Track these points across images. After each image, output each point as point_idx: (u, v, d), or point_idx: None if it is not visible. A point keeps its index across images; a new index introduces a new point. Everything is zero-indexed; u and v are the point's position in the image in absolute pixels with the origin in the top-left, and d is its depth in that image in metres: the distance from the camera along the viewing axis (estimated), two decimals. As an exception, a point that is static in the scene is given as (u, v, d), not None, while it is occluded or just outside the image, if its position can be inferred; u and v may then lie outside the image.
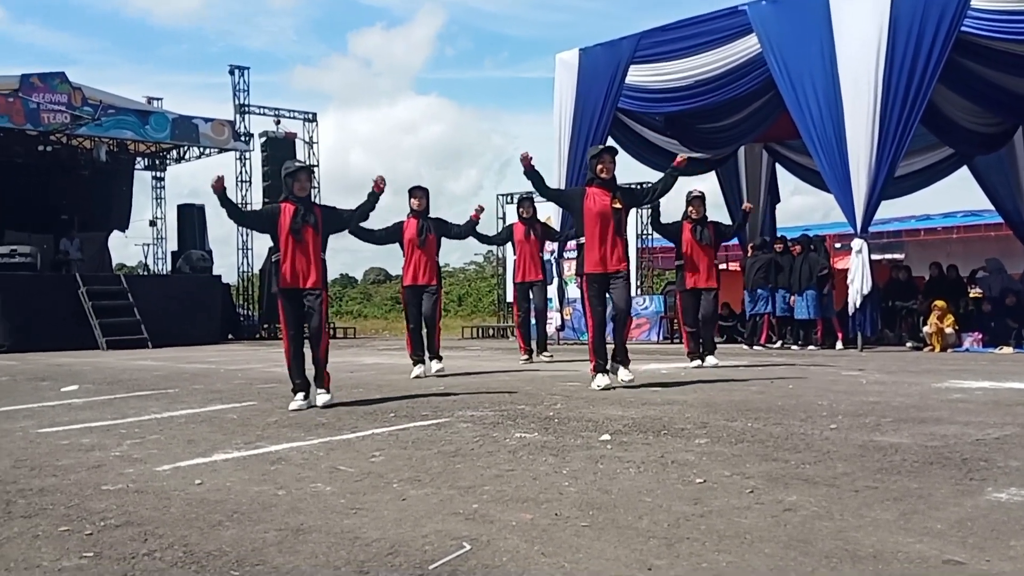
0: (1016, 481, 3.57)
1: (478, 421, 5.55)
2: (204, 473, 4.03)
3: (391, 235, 9.11)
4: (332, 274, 35.54)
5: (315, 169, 7.04)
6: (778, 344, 14.81)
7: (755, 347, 14.55)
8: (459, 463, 4.15)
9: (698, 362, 9.94)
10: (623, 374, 7.52)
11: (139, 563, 2.66)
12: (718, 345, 10.94)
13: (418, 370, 8.97)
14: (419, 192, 9.15)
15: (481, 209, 9.67)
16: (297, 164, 6.92)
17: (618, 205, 7.39)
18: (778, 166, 18.84)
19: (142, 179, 25.52)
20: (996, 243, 18.13)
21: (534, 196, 10.66)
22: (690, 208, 10.09)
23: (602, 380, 7.36)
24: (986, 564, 2.50)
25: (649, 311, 18.69)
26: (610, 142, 15.93)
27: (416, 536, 2.89)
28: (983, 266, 15.33)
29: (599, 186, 7.46)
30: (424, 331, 9.18)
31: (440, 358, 9.15)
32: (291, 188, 6.70)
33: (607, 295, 7.47)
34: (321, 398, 6.54)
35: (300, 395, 6.50)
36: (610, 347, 7.60)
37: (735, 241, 19.46)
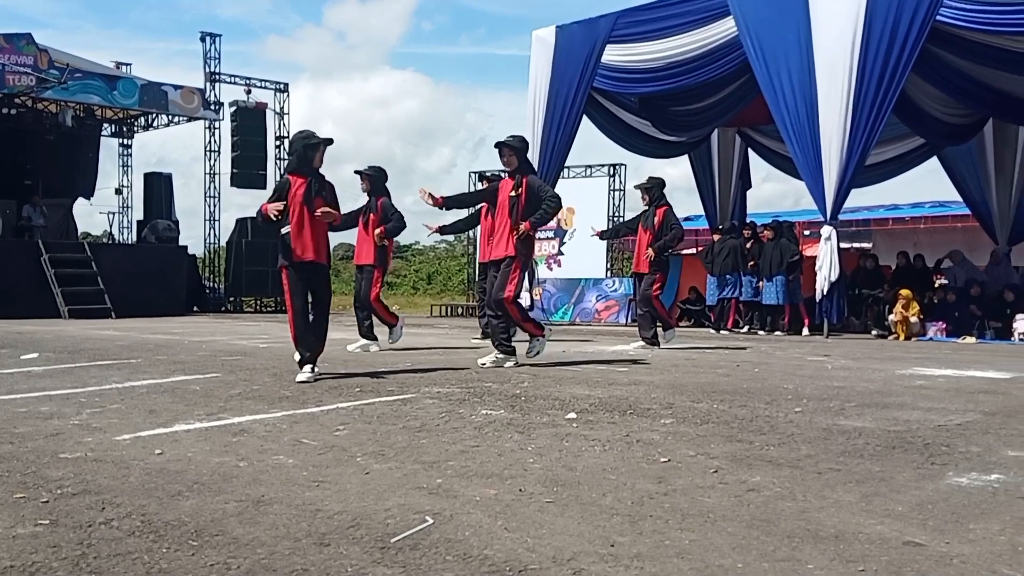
0: (976, 466, 3.60)
1: (444, 397, 5.52)
2: (165, 443, 3.97)
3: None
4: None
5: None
6: (745, 329, 14.91)
7: (722, 331, 14.64)
8: (424, 438, 4.13)
9: (644, 344, 9.96)
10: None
11: (96, 531, 2.61)
12: (685, 328, 10.96)
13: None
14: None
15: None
16: (320, 137, 6.56)
17: (514, 193, 7.59)
18: (750, 151, 18.91)
19: (109, 146, 25.14)
20: (963, 234, 18.35)
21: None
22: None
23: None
24: (945, 546, 2.51)
25: (618, 294, 18.74)
26: (584, 121, 15.96)
27: (379, 509, 2.87)
28: (949, 256, 15.52)
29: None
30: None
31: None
32: (311, 160, 6.43)
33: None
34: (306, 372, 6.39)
35: (308, 367, 6.39)
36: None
37: (704, 225, 19.58)
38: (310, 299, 6.54)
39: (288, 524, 2.69)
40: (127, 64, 22.89)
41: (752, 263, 14.67)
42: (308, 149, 6.44)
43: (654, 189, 9.92)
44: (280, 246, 6.45)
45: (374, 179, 9.15)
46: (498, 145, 7.69)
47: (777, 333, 14.21)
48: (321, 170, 6.57)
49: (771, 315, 14.73)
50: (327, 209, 6.38)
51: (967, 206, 17.38)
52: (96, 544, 2.48)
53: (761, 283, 14.57)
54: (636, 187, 10.29)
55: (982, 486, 3.27)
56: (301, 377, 6.30)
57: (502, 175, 8.40)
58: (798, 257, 14.50)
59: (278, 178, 24.31)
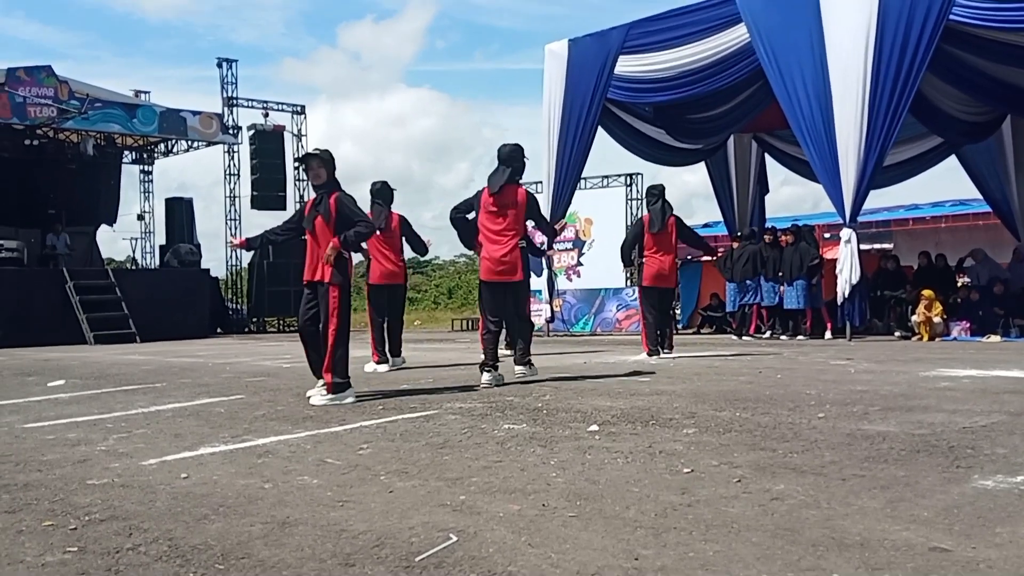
0: (1002, 468, 3.58)
1: (466, 413, 5.54)
2: (190, 467, 4.01)
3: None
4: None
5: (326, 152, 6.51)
6: (767, 334, 14.85)
7: (744, 337, 14.58)
8: (447, 455, 4.14)
9: (647, 358, 9.76)
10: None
11: (123, 557, 2.64)
12: (707, 335, 10.91)
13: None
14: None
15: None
16: (305, 152, 6.70)
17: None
18: (767, 156, 18.86)
19: (130, 172, 25.42)
20: (984, 232, 18.18)
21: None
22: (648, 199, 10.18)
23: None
24: (972, 551, 2.50)
25: (638, 303, 18.68)
26: (600, 132, 15.98)
27: (403, 528, 2.88)
28: (971, 255, 15.39)
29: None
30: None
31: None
32: (310, 179, 6.56)
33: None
34: (316, 398, 6.26)
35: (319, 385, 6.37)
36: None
37: (724, 231, 19.53)
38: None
39: (313, 545, 2.71)
40: (146, 92, 23.15)
41: (770, 264, 14.63)
42: (301, 171, 6.64)
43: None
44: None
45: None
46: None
47: (800, 338, 14.14)
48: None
49: (793, 320, 14.67)
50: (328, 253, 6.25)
51: (988, 204, 17.24)
52: (124, 570, 2.51)
53: (782, 288, 14.51)
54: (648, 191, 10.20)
55: (1008, 488, 3.25)
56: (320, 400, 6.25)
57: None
58: (818, 260, 14.45)
59: (297, 200, 24.59)
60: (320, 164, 6.41)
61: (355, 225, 6.31)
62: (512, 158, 7.44)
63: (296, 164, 7.01)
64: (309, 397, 6.38)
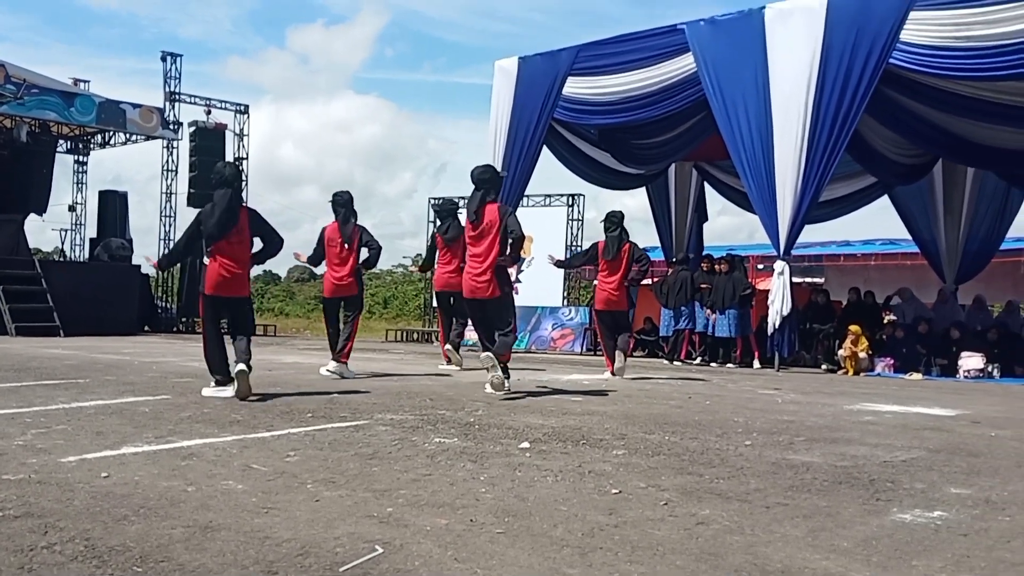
0: (920, 503, 3.67)
1: (397, 424, 5.50)
2: (111, 466, 3.91)
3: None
4: (255, 270, 35.28)
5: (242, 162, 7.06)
6: (697, 360, 15.03)
7: (675, 362, 14.74)
8: (375, 466, 4.11)
9: (608, 375, 10.14)
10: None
11: (37, 556, 2.56)
12: (639, 359, 11.14)
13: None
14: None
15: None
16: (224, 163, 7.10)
17: None
18: (707, 185, 19.15)
19: (63, 162, 24.80)
20: (911, 271, 18.67)
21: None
22: (606, 223, 10.34)
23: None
24: (888, 582, 2.56)
25: (574, 322, 18.81)
26: (544, 152, 16.07)
27: (328, 538, 2.85)
28: (898, 293, 15.79)
29: None
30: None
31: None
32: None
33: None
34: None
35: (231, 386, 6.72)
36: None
37: (660, 256, 19.77)
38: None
39: (236, 551, 2.66)
40: (85, 81, 22.64)
41: (704, 291, 14.85)
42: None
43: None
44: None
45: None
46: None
47: (729, 365, 14.35)
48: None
49: (723, 347, 14.88)
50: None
51: (916, 244, 17.73)
52: (37, 568, 2.44)
53: (714, 316, 14.73)
54: (607, 218, 10.32)
55: (925, 523, 3.33)
56: (221, 393, 6.69)
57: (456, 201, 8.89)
58: (750, 291, 14.69)
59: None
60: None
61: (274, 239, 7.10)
62: (482, 180, 7.71)
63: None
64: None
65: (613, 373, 10.03)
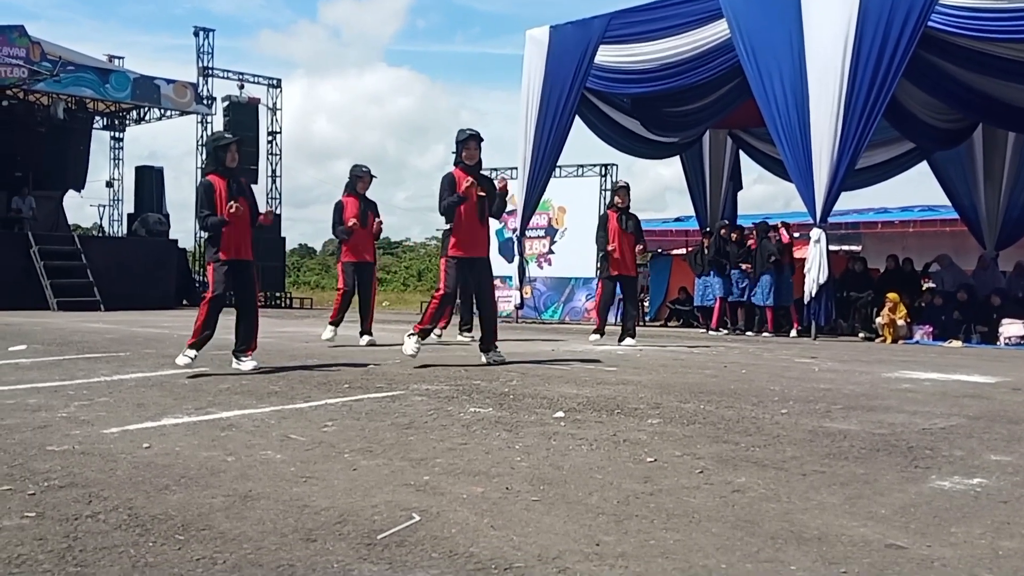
0: (959, 470, 3.63)
1: (433, 395, 5.54)
2: (152, 437, 3.98)
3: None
4: (291, 244, 35.36)
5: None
6: (731, 329, 14.94)
7: (710, 332, 14.68)
8: (412, 435, 4.14)
9: (596, 336, 10.55)
10: (491, 356, 7.61)
11: (82, 524, 2.61)
12: (674, 328, 11.20)
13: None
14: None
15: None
16: (228, 137, 6.93)
17: (482, 193, 7.42)
18: (742, 153, 18.94)
19: (100, 138, 25.11)
20: (951, 238, 18.39)
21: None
22: (616, 197, 10.61)
23: (410, 347, 7.45)
24: (927, 549, 2.54)
25: (608, 292, 18.73)
26: (577, 121, 15.97)
27: (366, 506, 2.88)
28: (937, 260, 15.57)
29: (464, 171, 7.46)
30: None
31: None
32: (223, 160, 6.67)
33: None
34: (247, 364, 6.70)
35: (192, 352, 6.62)
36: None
37: (695, 226, 19.65)
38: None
39: (275, 519, 2.70)
40: (120, 57, 22.85)
41: (743, 264, 14.72)
42: (219, 150, 6.66)
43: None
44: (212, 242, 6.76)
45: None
46: (470, 136, 7.53)
47: (764, 334, 14.26)
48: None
49: (758, 316, 14.77)
50: (268, 217, 7.08)
51: (956, 210, 17.44)
52: (82, 537, 2.49)
53: (747, 285, 14.63)
54: (621, 188, 10.64)
55: (964, 489, 3.30)
56: (182, 360, 6.49)
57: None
58: (775, 258, 14.52)
59: (270, 173, 24.39)
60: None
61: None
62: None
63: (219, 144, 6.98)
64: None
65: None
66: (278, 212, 24.20)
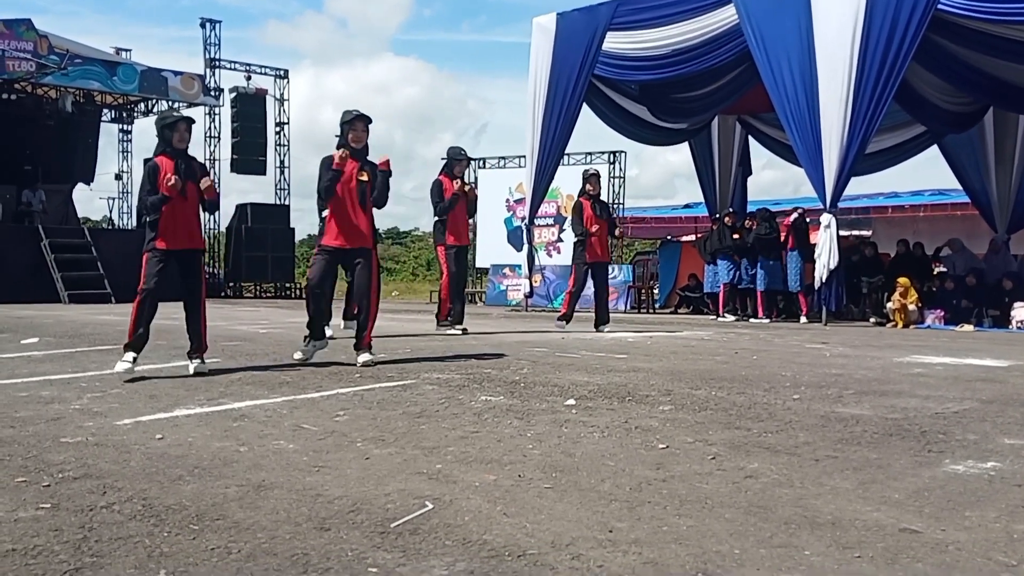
0: (973, 454, 3.62)
1: (444, 383, 5.54)
2: (165, 428, 3.99)
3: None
4: (300, 235, 35.30)
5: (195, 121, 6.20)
6: (740, 316, 14.90)
7: (719, 318, 14.67)
8: (424, 424, 4.15)
9: (563, 323, 10.79)
10: (363, 357, 6.62)
11: (97, 515, 2.63)
12: (684, 316, 11.26)
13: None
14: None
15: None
16: (176, 115, 6.28)
17: (364, 177, 6.67)
18: (751, 139, 18.88)
19: (108, 131, 25.15)
20: (961, 222, 18.33)
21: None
22: (588, 185, 10.72)
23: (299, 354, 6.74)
24: (941, 533, 2.53)
25: (618, 280, 18.72)
26: (584, 109, 15.92)
27: (379, 494, 2.89)
28: (948, 244, 15.51)
29: (351, 155, 6.68)
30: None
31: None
32: (170, 140, 5.99)
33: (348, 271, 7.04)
34: (197, 366, 6.04)
35: (131, 355, 5.86)
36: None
37: (704, 212, 19.59)
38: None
39: (289, 509, 2.71)
40: (127, 50, 22.89)
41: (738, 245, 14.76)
42: (166, 129, 6.03)
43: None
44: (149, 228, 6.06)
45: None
46: (357, 118, 6.77)
47: (764, 320, 14.24)
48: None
49: (766, 301, 14.75)
50: (208, 181, 6.18)
51: (967, 194, 17.35)
52: (97, 528, 2.50)
53: (752, 270, 14.64)
54: (592, 176, 10.81)
55: (978, 474, 3.29)
56: (121, 367, 5.71)
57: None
58: (774, 243, 14.50)
59: (278, 164, 24.40)
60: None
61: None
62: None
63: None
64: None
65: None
66: (287, 203, 24.24)
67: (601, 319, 10.87)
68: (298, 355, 6.73)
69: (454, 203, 9.88)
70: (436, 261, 10.47)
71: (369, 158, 6.83)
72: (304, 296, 7.31)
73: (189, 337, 6.25)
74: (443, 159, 10.10)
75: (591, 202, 10.65)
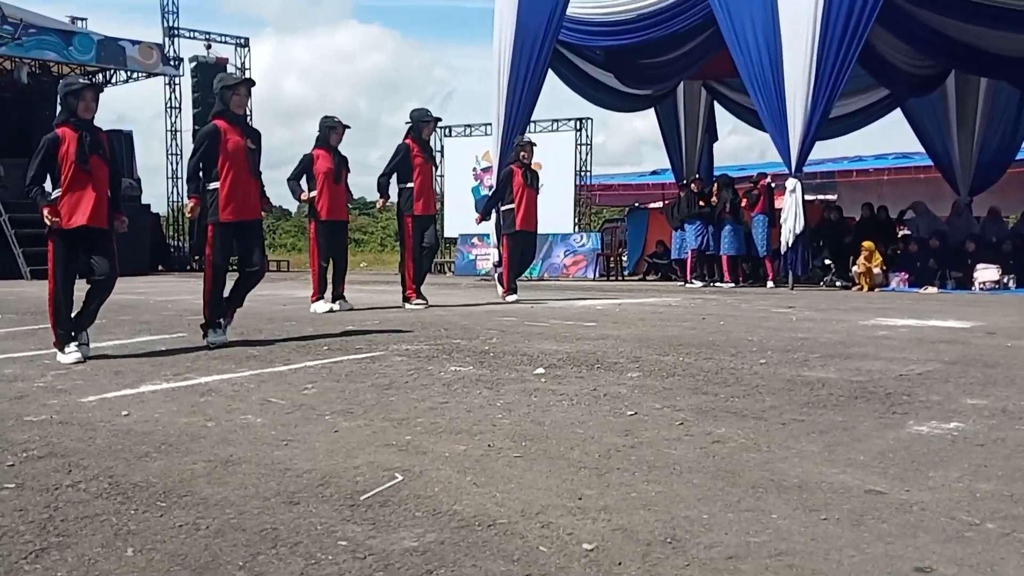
0: (936, 415, 3.68)
1: (413, 355, 5.53)
2: (131, 404, 3.95)
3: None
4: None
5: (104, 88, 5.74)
6: (707, 282, 14.99)
7: (687, 284, 14.76)
8: (393, 396, 4.14)
9: (515, 296, 10.39)
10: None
11: (63, 494, 2.60)
12: (653, 282, 11.23)
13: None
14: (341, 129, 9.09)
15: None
16: (82, 82, 5.78)
17: (253, 146, 6.26)
18: (716, 104, 18.90)
19: (67, 103, 24.63)
20: (925, 185, 18.52)
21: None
22: (523, 153, 10.62)
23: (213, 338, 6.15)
24: (906, 494, 2.57)
25: (586, 248, 18.76)
26: (551, 76, 15.82)
27: (348, 467, 2.88)
28: (912, 207, 15.66)
29: (231, 123, 6.22)
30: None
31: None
32: (74, 109, 5.50)
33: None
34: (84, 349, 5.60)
35: (73, 344, 5.50)
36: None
37: (671, 179, 19.64)
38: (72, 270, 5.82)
39: (257, 483, 2.70)
40: (82, 19, 22.38)
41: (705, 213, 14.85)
42: (69, 96, 5.56)
43: None
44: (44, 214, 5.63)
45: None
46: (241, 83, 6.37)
47: (728, 284, 14.36)
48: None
49: (729, 266, 14.86)
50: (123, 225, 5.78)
51: (930, 157, 17.54)
52: (63, 507, 2.47)
53: (709, 236, 14.76)
54: (527, 144, 10.74)
55: (942, 434, 3.34)
56: (67, 359, 5.37)
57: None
58: (729, 208, 14.62)
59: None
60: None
61: None
62: None
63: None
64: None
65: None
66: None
67: (512, 286, 10.57)
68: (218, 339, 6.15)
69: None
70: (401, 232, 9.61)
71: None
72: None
73: (83, 319, 5.72)
74: (407, 123, 9.42)
75: (523, 170, 10.47)
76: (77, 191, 5.51)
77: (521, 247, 10.63)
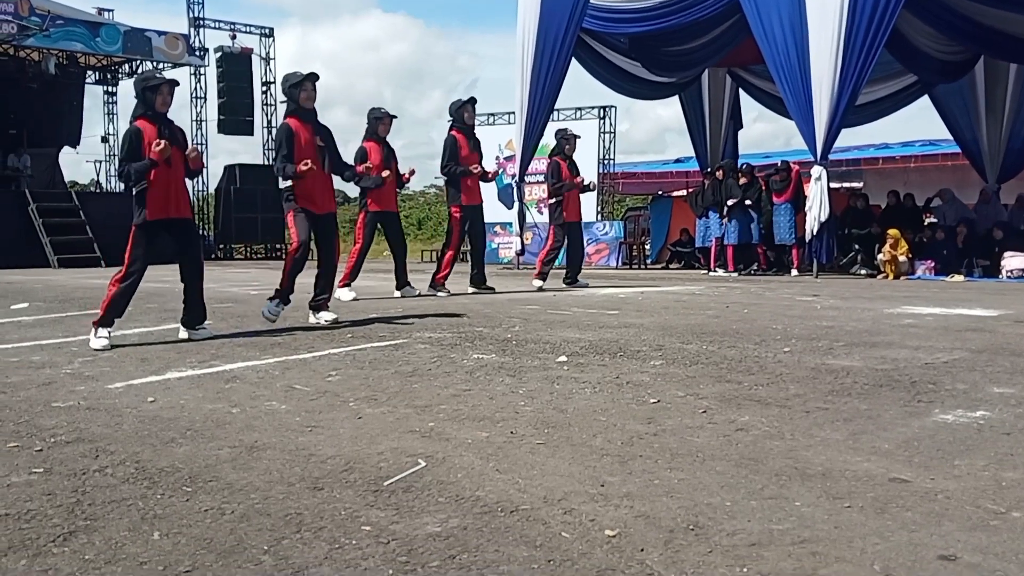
0: (962, 403, 3.64)
1: (436, 342, 5.54)
2: (157, 391, 3.99)
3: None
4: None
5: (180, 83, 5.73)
6: (727, 269, 14.90)
7: (710, 273, 14.69)
8: (416, 383, 4.15)
9: (540, 283, 10.63)
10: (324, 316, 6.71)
11: (90, 479, 2.63)
12: (676, 271, 11.32)
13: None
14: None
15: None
16: (159, 77, 5.86)
17: (321, 143, 6.55)
18: (741, 92, 18.77)
19: (93, 93, 24.85)
20: (952, 172, 18.31)
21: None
22: (568, 146, 10.88)
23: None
24: (931, 482, 2.55)
25: (609, 236, 18.71)
26: (574, 64, 15.77)
27: (371, 453, 2.89)
28: (938, 194, 15.50)
29: (303, 121, 6.56)
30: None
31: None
32: (152, 103, 5.67)
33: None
34: (203, 333, 5.95)
35: (105, 331, 5.59)
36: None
37: (695, 167, 19.53)
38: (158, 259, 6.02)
39: (281, 469, 2.72)
40: (109, 10, 22.54)
41: (739, 202, 14.71)
42: (147, 92, 5.67)
43: None
44: (135, 203, 5.73)
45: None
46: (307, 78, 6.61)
47: (747, 272, 14.28)
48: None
49: (752, 254, 14.76)
50: (195, 151, 5.94)
51: (957, 144, 17.32)
52: (91, 491, 2.51)
53: (726, 223, 14.67)
54: (573, 137, 11.00)
55: (968, 423, 3.31)
56: (97, 344, 5.47)
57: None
58: (736, 200, 14.53)
59: (265, 124, 24.18)
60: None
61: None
62: None
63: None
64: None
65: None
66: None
67: (572, 275, 11.01)
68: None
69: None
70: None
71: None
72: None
73: (188, 306, 6.03)
74: (449, 121, 9.78)
75: (567, 163, 10.75)
76: (161, 184, 5.71)
77: (573, 238, 10.99)
